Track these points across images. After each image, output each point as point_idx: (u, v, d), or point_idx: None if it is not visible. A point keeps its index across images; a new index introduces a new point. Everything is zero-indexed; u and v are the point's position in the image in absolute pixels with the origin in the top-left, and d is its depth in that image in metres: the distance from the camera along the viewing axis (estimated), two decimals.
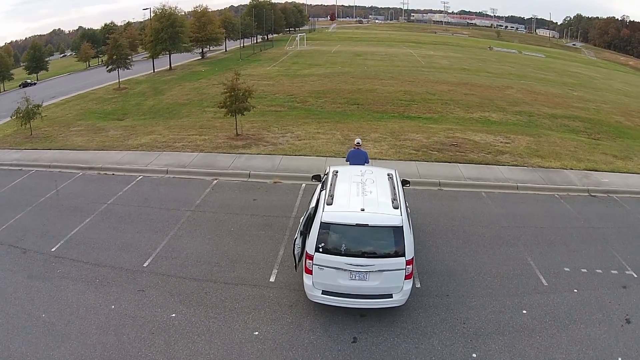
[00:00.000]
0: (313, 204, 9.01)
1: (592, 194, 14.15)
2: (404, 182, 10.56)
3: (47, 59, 79.92)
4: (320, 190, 9.19)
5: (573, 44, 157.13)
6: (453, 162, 15.95)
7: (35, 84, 67.55)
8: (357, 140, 12.28)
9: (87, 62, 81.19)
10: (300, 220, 8.77)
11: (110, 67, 40.24)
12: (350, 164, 11.98)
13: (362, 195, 8.31)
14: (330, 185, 8.78)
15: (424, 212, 12.20)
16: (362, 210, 7.80)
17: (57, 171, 16.21)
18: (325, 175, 9.69)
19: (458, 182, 14.38)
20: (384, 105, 27.65)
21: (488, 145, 18.19)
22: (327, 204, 7.97)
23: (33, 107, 21.80)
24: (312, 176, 11.06)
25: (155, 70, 49.35)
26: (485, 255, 10.25)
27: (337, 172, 9.39)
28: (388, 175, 9.34)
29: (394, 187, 8.75)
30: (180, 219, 11.78)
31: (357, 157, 12.00)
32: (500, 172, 15.27)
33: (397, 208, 7.91)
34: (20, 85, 64.69)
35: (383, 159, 15.84)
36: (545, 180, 14.74)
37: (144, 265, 9.81)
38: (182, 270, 9.56)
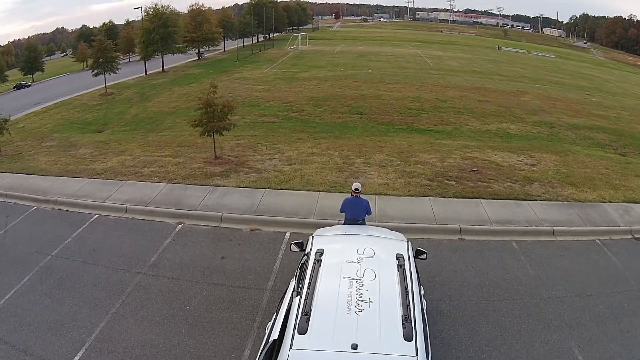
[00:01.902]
0: (282, 310, 6.04)
1: (636, 236, 11.31)
2: (419, 254, 7.70)
3: (44, 60, 77.43)
4: (294, 289, 6.20)
5: (584, 43, 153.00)
6: (475, 198, 12.84)
7: (29, 85, 65.12)
8: (356, 185, 9.31)
9: (85, 62, 78.69)
10: (266, 333, 5.98)
11: (95, 71, 37.03)
12: (345, 217, 9.18)
13: (357, 308, 5.25)
14: (310, 281, 5.74)
15: (442, 279, 9.22)
16: (354, 348, 4.74)
17: (12, 202, 13.71)
18: (305, 256, 6.70)
19: (483, 229, 11.34)
20: (390, 115, 24.64)
21: (512, 169, 15.14)
22: (299, 332, 4.92)
23: (0, 121, 19.32)
24: (292, 244, 7.97)
25: (147, 73, 46.48)
26: (523, 350, 7.41)
27: (321, 252, 6.35)
28: (397, 258, 6.26)
29: (407, 285, 5.68)
30: (127, 286, 8.95)
31: (355, 208, 9.14)
32: (532, 211, 12.26)
33: (411, 340, 4.85)
34: (14, 88, 62.30)
35: (390, 195, 12.83)
36: (584, 220, 11.82)
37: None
38: None
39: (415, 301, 5.51)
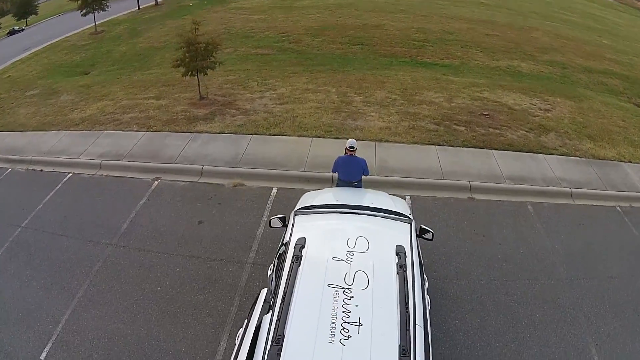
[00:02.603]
0: (252, 324, 4.34)
1: None
2: (423, 232, 6.02)
3: (39, 2, 71.43)
4: (266, 297, 4.68)
5: None
6: (486, 148, 10.88)
7: (23, 30, 59.73)
8: (350, 142, 7.44)
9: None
10: (235, 345, 4.45)
11: (84, 11, 33.04)
12: (338, 179, 7.44)
13: (342, 334, 3.80)
14: (285, 290, 4.22)
15: (449, 250, 7.65)
16: None
17: None
18: (283, 246, 5.09)
19: (496, 187, 9.58)
20: (394, 47, 21.75)
21: (526, 114, 13.01)
22: None
23: None
24: (273, 219, 6.26)
25: (140, 7, 42.07)
26: (536, 347, 6.03)
27: (303, 244, 4.78)
28: (398, 254, 4.66)
29: (407, 299, 4.17)
30: (95, 262, 7.46)
31: (350, 168, 7.38)
32: (548, 166, 10.42)
33: None
34: (7, 34, 57.13)
35: (392, 142, 10.87)
36: (603, 182, 10.05)
37: (41, 358, 5.89)
38: None
39: (417, 321, 3.99)
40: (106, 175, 10.13)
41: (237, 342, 4.39)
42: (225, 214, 8.53)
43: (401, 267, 4.57)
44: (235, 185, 9.40)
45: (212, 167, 10.00)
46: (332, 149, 10.31)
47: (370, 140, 11.01)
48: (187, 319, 6.34)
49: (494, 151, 10.83)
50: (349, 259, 4.63)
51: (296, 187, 9.21)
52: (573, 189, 9.74)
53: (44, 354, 6.02)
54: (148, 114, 13.17)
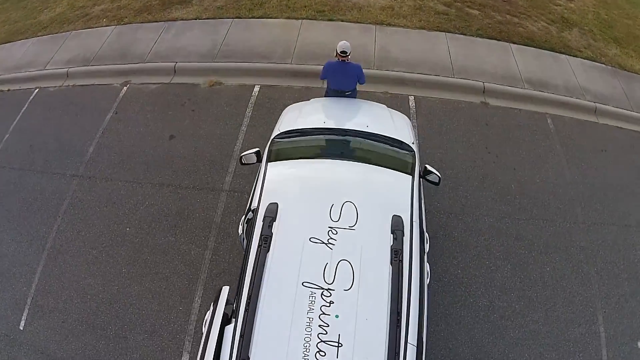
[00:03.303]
0: (213, 336, 3.13)
1: None
2: (427, 173, 4.51)
3: None
4: (229, 298, 3.42)
5: None
6: (504, 40, 8.37)
7: None
8: (343, 46, 5.27)
9: None
10: (203, 334, 3.37)
11: None
12: (329, 88, 5.54)
13: (317, 357, 2.81)
14: (250, 291, 3.11)
15: (455, 174, 6.10)
16: None
17: None
18: (252, 212, 3.78)
19: (514, 91, 7.50)
20: None
21: (547, 1, 9.61)
22: None
23: None
24: (244, 156, 4.69)
25: None
26: (542, 311, 4.97)
27: (273, 216, 3.49)
28: (394, 232, 3.39)
29: (400, 304, 3.02)
30: (63, 200, 6.10)
31: (341, 76, 5.40)
32: (571, 71, 8.12)
33: None
34: None
35: (395, 26, 8.28)
36: (629, 100, 7.90)
37: (20, 327, 5.04)
38: (63, 342, 4.81)
39: (410, 338, 2.92)
40: (73, 85, 8.05)
41: (204, 329, 3.40)
42: (200, 123, 6.86)
43: (396, 255, 3.30)
44: (211, 85, 7.47)
45: (186, 63, 7.91)
46: (325, 35, 8.05)
47: (370, 22, 8.48)
48: (159, 269, 5.35)
49: (512, 45, 8.38)
50: (330, 241, 3.36)
51: (282, 85, 7.35)
52: (597, 104, 7.68)
53: (22, 323, 5.12)
54: (120, 3, 10.16)
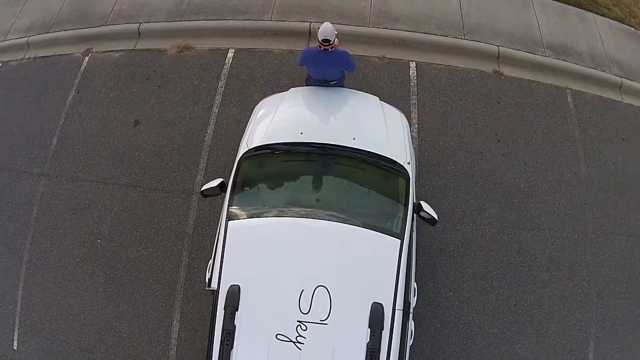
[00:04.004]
0: None
1: None
2: (419, 210, 3.38)
3: None
4: None
5: None
6: None
7: None
8: (325, 31, 3.69)
9: None
10: None
11: None
12: (309, 76, 4.15)
13: None
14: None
15: (460, 168, 4.81)
16: None
17: None
18: (213, 295, 2.92)
19: (532, 58, 5.73)
20: None
21: None
22: None
23: None
24: (205, 190, 3.57)
25: None
26: (534, 335, 4.16)
27: (235, 303, 2.70)
28: (370, 326, 2.53)
29: None
30: (33, 204, 5.05)
31: (324, 66, 3.94)
32: (598, 34, 6.23)
33: None
34: None
35: None
36: None
37: (14, 347, 4.54)
38: None
39: None
40: (34, 57, 6.35)
41: None
42: (166, 104, 5.46)
43: (372, 356, 2.53)
44: (180, 50, 5.83)
45: (151, 23, 6.16)
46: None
47: None
48: (134, 288, 4.60)
49: None
50: (299, 339, 2.61)
51: (260, 47, 5.71)
52: (623, 79, 5.96)
53: (15, 343, 4.59)
54: None
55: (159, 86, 5.65)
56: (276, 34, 5.87)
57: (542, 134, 5.38)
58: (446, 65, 5.73)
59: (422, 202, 3.49)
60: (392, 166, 3.54)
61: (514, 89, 5.63)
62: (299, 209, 3.22)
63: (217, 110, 5.33)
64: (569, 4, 6.64)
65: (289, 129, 3.75)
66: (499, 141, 5.30)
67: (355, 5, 6.12)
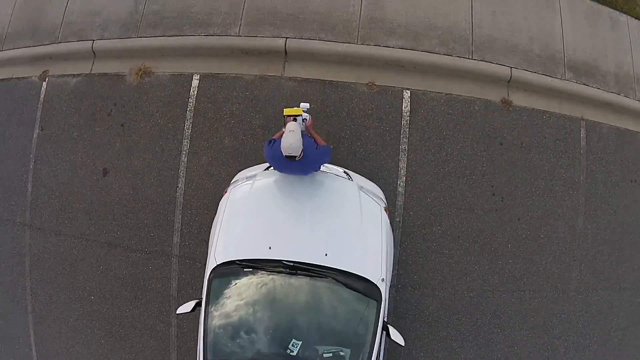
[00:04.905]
0: None
1: None
2: (386, 332, 2.39)
3: None
4: None
5: None
6: None
7: None
8: (288, 146, 2.22)
9: None
10: None
11: None
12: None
13: None
14: None
15: (445, 226, 3.47)
16: None
17: None
18: None
19: (548, 83, 3.69)
20: None
21: None
22: None
23: None
24: (179, 310, 2.67)
25: None
26: None
27: None
28: None
29: None
30: (24, 256, 4.04)
31: (295, 170, 2.48)
32: (629, 46, 3.94)
33: None
34: None
35: None
36: None
37: None
38: None
39: None
40: None
41: None
42: (132, 149, 3.82)
43: None
44: (140, 76, 3.89)
45: (105, 41, 4.00)
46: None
47: None
48: (133, 343, 3.73)
49: None
50: None
51: (227, 72, 3.76)
52: None
53: None
54: None
55: (122, 125, 3.83)
56: (246, 53, 3.72)
57: (544, 182, 3.64)
58: (446, 94, 3.67)
59: (389, 327, 2.46)
60: (365, 284, 2.63)
61: (521, 125, 3.66)
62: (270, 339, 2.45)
63: (185, 159, 3.66)
64: (602, 3, 4.07)
65: (258, 241, 2.51)
66: (493, 194, 3.67)
67: (341, 12, 3.96)
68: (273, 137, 2.84)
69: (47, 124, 4.18)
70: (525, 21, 3.87)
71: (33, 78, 4.35)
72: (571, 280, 3.67)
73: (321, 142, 2.79)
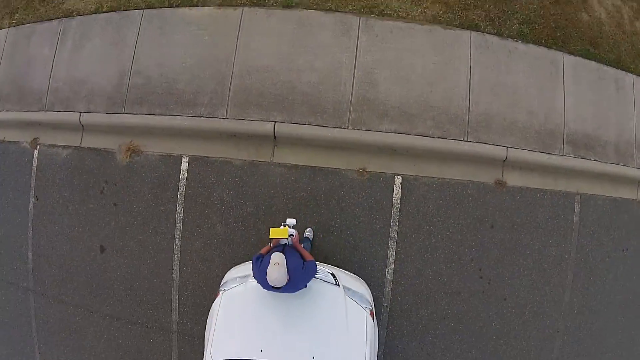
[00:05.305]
0: None
1: None
2: None
3: None
4: None
5: None
6: (556, 47, 3.59)
7: None
8: (274, 280, 2.33)
9: None
10: None
11: None
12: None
13: None
14: None
15: (431, 310, 3.51)
16: None
17: None
18: None
19: (544, 162, 3.63)
20: None
21: None
22: None
23: None
24: None
25: None
26: None
27: None
28: None
29: None
30: (30, 319, 4.18)
31: (283, 289, 2.51)
32: (632, 110, 3.77)
33: None
34: None
35: (391, 17, 3.51)
36: None
37: None
38: None
39: None
40: None
41: None
42: (127, 229, 3.87)
43: None
44: (129, 155, 3.89)
45: (92, 115, 3.93)
46: (277, 44, 3.62)
47: (352, 10, 3.53)
48: None
49: (565, 57, 3.71)
50: None
51: (216, 155, 3.72)
52: None
53: None
54: None
55: (115, 204, 3.87)
56: (234, 136, 3.67)
57: (532, 261, 3.66)
58: (439, 179, 3.60)
59: None
60: None
61: (514, 206, 3.63)
62: None
63: (179, 243, 3.71)
64: (607, 63, 3.86)
65: (250, 344, 2.68)
66: (481, 277, 3.74)
67: (331, 93, 3.76)
68: (261, 252, 2.88)
69: (41, 194, 4.22)
70: (526, 94, 3.72)
71: (24, 144, 4.34)
72: (554, 350, 3.81)
73: (308, 256, 2.84)
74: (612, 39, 4.10)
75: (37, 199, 4.20)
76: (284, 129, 3.53)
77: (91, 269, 4.01)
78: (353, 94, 3.55)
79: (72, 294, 4.10)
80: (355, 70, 3.55)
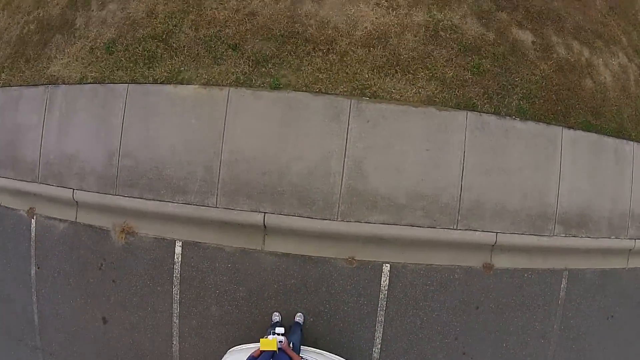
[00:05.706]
0: None
1: None
2: None
3: None
4: None
5: None
6: (556, 122, 3.46)
7: None
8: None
9: None
10: None
11: None
12: None
13: None
14: None
15: None
16: None
17: None
18: None
19: (533, 243, 3.67)
20: None
21: None
22: None
23: None
24: None
25: None
26: None
27: None
28: None
29: None
30: None
31: None
32: (629, 181, 3.83)
33: None
34: None
35: (384, 100, 3.41)
36: None
37: None
38: None
39: None
40: None
41: None
42: (127, 305, 4.01)
43: None
44: (124, 236, 3.94)
45: (85, 193, 3.96)
46: (264, 129, 3.57)
47: (344, 92, 3.39)
48: None
49: (564, 132, 3.60)
50: None
51: (208, 242, 3.78)
52: (637, 241, 3.81)
53: None
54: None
55: (113, 281, 3.98)
56: (224, 224, 3.68)
57: (516, 337, 3.78)
58: (427, 265, 3.66)
59: None
60: None
61: (501, 287, 3.69)
62: None
63: (177, 321, 3.86)
64: (608, 134, 3.79)
65: None
66: (464, 354, 4.05)
67: (321, 184, 3.70)
68: (253, 355, 3.02)
69: (42, 263, 4.35)
70: (520, 176, 3.67)
71: (21, 212, 4.42)
72: None
73: (296, 358, 2.98)
74: (615, 105, 3.97)
75: (39, 268, 4.34)
76: (273, 220, 3.55)
77: (96, 339, 4.23)
78: (343, 185, 3.52)
79: (79, 358, 4.32)
80: (346, 160, 3.49)
